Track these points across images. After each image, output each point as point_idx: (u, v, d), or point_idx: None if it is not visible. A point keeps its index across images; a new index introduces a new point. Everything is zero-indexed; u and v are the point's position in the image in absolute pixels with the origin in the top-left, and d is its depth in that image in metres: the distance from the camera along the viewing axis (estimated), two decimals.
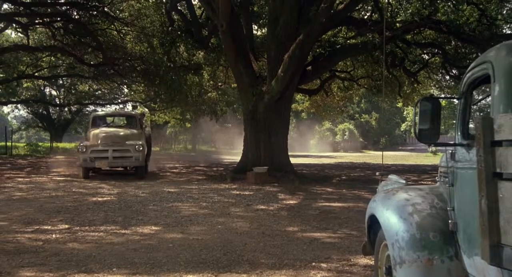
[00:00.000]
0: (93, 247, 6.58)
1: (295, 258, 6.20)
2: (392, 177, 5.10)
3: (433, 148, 44.89)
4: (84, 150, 15.91)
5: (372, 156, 42.02)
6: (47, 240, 6.99)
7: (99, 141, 16.22)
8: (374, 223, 4.30)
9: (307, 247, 6.83)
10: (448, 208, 3.65)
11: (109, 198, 11.57)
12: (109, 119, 20.13)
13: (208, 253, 6.37)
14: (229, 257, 6.19)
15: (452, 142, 3.58)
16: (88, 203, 10.68)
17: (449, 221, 3.56)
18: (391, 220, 3.85)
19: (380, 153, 48.33)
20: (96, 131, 16.90)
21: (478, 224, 3.02)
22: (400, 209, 3.81)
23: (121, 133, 16.90)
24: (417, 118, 3.64)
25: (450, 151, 3.64)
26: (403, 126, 67.94)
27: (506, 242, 2.61)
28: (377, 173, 10.45)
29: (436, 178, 4.23)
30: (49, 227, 7.91)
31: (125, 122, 19.49)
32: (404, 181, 4.77)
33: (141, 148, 16.17)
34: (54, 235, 7.29)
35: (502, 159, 2.61)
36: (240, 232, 7.84)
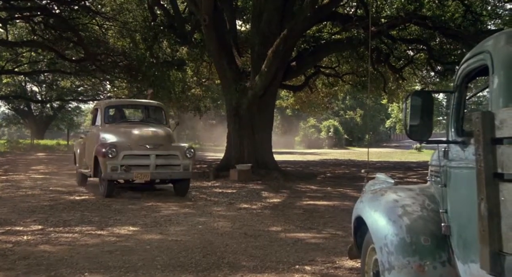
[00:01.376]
0: (66, 250, 6.25)
1: (278, 260, 5.94)
2: (380, 176, 4.84)
3: (418, 145, 45.05)
4: (115, 154, 10.71)
5: (357, 153, 41.96)
6: (17, 242, 6.64)
7: (133, 142, 11.15)
8: (361, 225, 4.04)
9: (291, 248, 6.57)
10: (440, 210, 3.40)
11: (87, 196, 11.23)
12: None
13: (187, 256, 6.08)
14: (208, 260, 5.91)
15: (445, 140, 3.33)
16: (64, 202, 10.31)
17: (442, 224, 3.31)
18: (379, 222, 3.61)
19: (365, 149, 48.20)
20: (122, 128, 12.05)
21: (475, 228, 2.78)
22: (389, 211, 3.57)
23: (160, 132, 11.76)
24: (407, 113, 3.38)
25: (443, 149, 3.39)
26: (388, 123, 68.01)
27: (509, 250, 2.36)
28: (362, 171, 10.25)
29: (427, 177, 3.97)
30: (21, 228, 7.55)
31: (146, 115, 13.46)
32: (392, 181, 4.51)
33: (192, 153, 11.50)
34: (25, 237, 6.95)
35: (504, 158, 2.36)
36: (221, 232, 7.56)
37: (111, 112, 13.01)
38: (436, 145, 3.54)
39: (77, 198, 10.94)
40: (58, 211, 9.18)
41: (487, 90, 3.08)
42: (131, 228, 7.74)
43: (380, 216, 3.61)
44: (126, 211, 9.27)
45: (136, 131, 11.50)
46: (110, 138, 11.55)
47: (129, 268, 5.49)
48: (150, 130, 11.71)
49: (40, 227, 7.69)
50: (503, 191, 2.36)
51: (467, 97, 3.40)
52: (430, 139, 3.40)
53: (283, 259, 6.00)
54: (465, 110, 3.38)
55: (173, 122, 12.62)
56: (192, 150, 11.59)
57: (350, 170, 21.23)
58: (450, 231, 3.27)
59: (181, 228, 7.80)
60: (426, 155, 37.55)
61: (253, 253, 6.27)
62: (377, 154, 38.39)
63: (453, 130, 3.29)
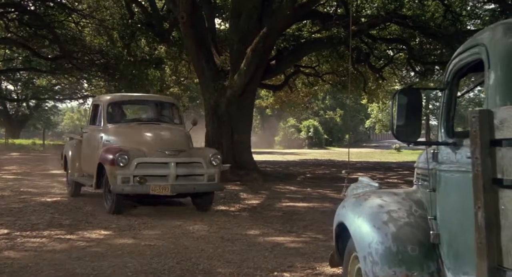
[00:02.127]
0: (31, 256, 5.91)
1: (256, 266, 5.67)
2: (363, 179, 4.57)
3: (397, 145, 45.11)
4: (126, 162, 8.58)
5: (337, 153, 41.84)
6: None
7: (148, 147, 9.04)
8: (343, 231, 3.78)
9: (269, 253, 6.29)
10: (428, 217, 3.16)
11: (59, 198, 10.83)
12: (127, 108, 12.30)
13: (160, 262, 5.78)
14: (182, 266, 5.62)
15: (435, 141, 3.08)
16: (35, 204, 9.89)
17: (431, 232, 3.07)
18: (362, 229, 3.35)
19: (344, 149, 48.12)
20: (132, 128, 9.99)
21: (468, 237, 2.55)
22: (373, 217, 3.32)
23: (180, 134, 9.82)
24: (394, 112, 3.11)
25: (432, 151, 3.13)
26: (367, 123, 68.17)
27: (509, 265, 2.11)
28: (343, 171, 9.97)
29: (413, 180, 3.72)
30: None
31: (157, 113, 11.42)
32: (377, 184, 4.25)
33: (218, 161, 9.41)
34: None
35: (505, 162, 2.10)
36: (197, 236, 7.26)
37: (116, 109, 10.89)
38: (422, 146, 3.31)
39: (48, 199, 10.53)
40: (27, 213, 8.81)
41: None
42: (102, 232, 7.42)
43: (364, 222, 3.37)
44: (98, 214, 8.92)
45: (150, 133, 9.54)
46: (117, 141, 9.51)
47: (98, 276, 5.19)
48: (167, 131, 9.90)
49: (6, 231, 7.32)
50: (503, 198, 2.12)
51: (458, 95, 3.16)
52: (418, 140, 3.14)
53: (261, 265, 5.73)
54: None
55: (190, 121, 10.93)
56: (218, 157, 9.44)
57: (330, 171, 21.03)
58: (439, 239, 3.03)
59: (155, 232, 7.50)
60: (405, 155, 37.61)
61: (230, 258, 6.00)
62: (356, 154, 38.29)
63: (442, 130, 3.05)
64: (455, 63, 2.99)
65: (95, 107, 11.05)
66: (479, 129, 2.17)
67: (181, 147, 9.20)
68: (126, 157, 8.59)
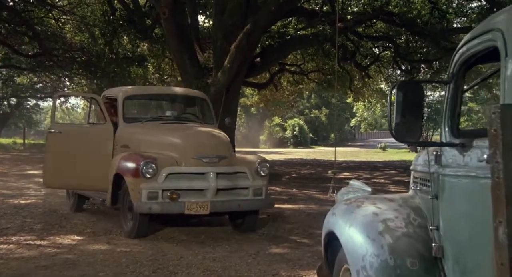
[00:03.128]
0: None
1: (238, 275, 5.30)
2: (354, 183, 4.19)
3: (382, 144, 45.02)
4: (154, 172, 6.81)
5: (322, 152, 41.61)
6: None
7: (180, 154, 7.18)
8: (333, 241, 3.42)
9: (252, 260, 5.92)
10: (430, 227, 2.80)
11: (34, 200, 10.35)
12: (145, 104, 11.18)
13: (135, 270, 5.39)
14: (159, 275, 5.25)
15: (439, 142, 2.72)
16: (6, 207, 9.39)
17: (433, 244, 2.71)
18: (355, 240, 3.00)
19: (330, 149, 47.81)
20: (157, 129, 8.13)
21: (479, 252, 2.22)
22: (367, 227, 2.96)
23: (220, 137, 7.88)
24: (392, 109, 2.72)
25: (434, 152, 2.77)
26: (353, 122, 68.06)
27: None
28: (329, 171, 9.58)
29: (410, 185, 3.36)
30: None
31: (183, 110, 9.73)
32: (369, 189, 3.87)
33: (266, 170, 7.67)
34: None
35: None
36: (176, 241, 6.87)
37: (134, 105, 9.25)
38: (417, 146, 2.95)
39: (22, 202, 10.03)
40: None
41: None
42: (76, 237, 6.99)
43: (356, 232, 3.02)
44: (74, 217, 8.49)
45: (181, 136, 7.63)
46: (138, 145, 7.66)
47: None
48: (203, 133, 7.90)
49: None
50: None
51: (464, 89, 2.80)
52: (419, 140, 2.78)
53: (243, 273, 5.36)
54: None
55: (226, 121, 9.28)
56: (267, 165, 7.72)
57: (316, 170, 20.71)
58: (442, 253, 2.67)
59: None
60: (391, 154, 37.45)
61: (210, 266, 5.61)
62: (342, 153, 38.01)
63: (447, 129, 2.69)
64: (462, 52, 2.62)
65: (106, 102, 8.77)
66: (501, 128, 1.81)
67: (222, 152, 7.36)
68: (153, 166, 6.82)
